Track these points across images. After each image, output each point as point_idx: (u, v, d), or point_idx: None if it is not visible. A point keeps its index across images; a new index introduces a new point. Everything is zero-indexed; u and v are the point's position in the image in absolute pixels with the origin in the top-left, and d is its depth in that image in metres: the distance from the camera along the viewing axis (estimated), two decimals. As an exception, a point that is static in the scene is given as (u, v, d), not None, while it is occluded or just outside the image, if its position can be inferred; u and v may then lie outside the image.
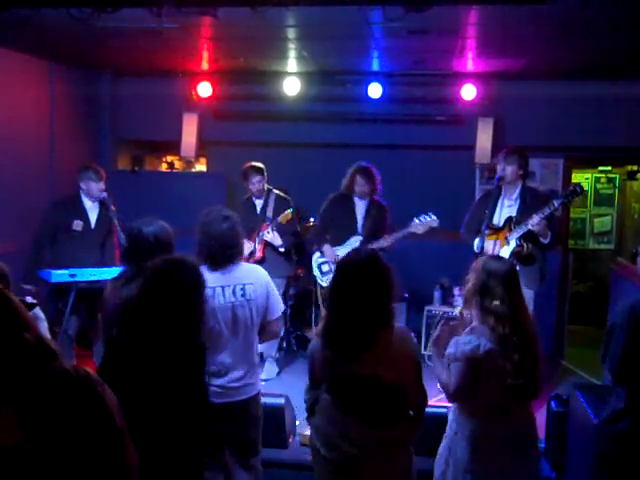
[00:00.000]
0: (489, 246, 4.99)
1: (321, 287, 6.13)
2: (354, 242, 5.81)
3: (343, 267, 2.77)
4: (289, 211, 5.84)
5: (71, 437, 1.79)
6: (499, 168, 5.11)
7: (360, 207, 5.90)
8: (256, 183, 5.94)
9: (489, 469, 2.97)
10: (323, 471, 2.82)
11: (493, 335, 2.92)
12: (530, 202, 5.00)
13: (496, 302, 2.94)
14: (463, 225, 5.40)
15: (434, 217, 5.65)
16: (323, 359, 2.76)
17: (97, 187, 5.44)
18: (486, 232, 4.97)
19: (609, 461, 3.15)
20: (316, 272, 6.09)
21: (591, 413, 3.53)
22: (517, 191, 5.11)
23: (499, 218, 5.10)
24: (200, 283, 2.73)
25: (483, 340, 2.92)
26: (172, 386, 2.50)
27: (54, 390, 1.80)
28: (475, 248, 5.09)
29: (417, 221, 5.65)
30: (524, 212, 4.96)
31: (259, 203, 6.08)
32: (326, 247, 5.91)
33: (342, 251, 5.76)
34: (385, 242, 5.68)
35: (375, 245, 5.62)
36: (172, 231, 3.40)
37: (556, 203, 4.79)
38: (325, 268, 6.02)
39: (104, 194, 5.50)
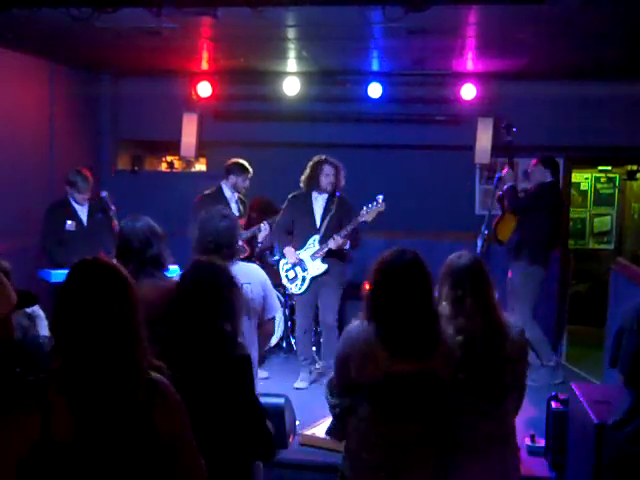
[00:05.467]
0: None
1: (293, 295, 5.98)
2: (312, 242, 5.67)
3: (394, 267, 2.73)
4: (379, 207, 5.56)
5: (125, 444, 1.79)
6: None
7: (319, 203, 5.72)
8: (247, 181, 6.01)
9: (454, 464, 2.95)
10: (367, 475, 2.74)
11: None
12: None
13: (444, 303, 2.96)
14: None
15: (380, 202, 5.53)
16: (373, 363, 2.67)
17: (81, 197, 5.70)
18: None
19: (617, 465, 3.14)
20: (284, 279, 5.83)
21: (591, 413, 3.52)
22: None
23: None
24: (232, 283, 2.70)
25: None
26: (216, 402, 2.48)
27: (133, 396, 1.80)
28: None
29: (365, 209, 5.57)
30: None
31: (233, 199, 6.00)
32: (287, 249, 5.72)
33: (303, 254, 5.67)
34: (334, 242, 5.54)
35: (325, 247, 5.57)
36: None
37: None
38: (291, 275, 5.77)
39: (104, 193, 5.70)
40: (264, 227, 5.87)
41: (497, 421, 2.97)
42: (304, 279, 5.72)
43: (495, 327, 2.94)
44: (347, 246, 5.64)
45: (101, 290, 1.81)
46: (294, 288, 5.80)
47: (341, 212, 5.68)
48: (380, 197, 5.52)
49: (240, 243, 5.67)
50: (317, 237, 5.66)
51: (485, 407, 2.94)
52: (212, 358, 2.52)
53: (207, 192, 5.97)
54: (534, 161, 5.99)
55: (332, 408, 2.86)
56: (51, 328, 1.89)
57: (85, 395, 1.76)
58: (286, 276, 5.83)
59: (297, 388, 5.71)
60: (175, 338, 2.52)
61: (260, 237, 5.95)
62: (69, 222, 5.66)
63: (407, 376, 2.66)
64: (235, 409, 2.54)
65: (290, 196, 5.86)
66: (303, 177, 5.75)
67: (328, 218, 5.66)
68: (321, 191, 5.69)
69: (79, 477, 1.75)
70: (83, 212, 5.79)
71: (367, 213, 5.53)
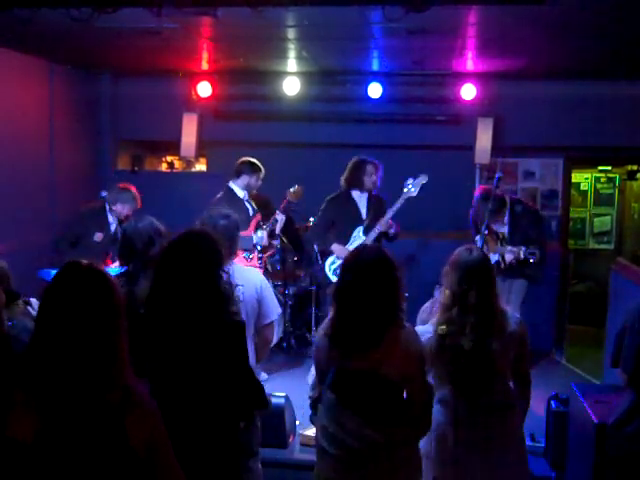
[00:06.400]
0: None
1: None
2: (357, 234, 5.68)
3: (349, 264, 2.77)
4: (296, 189, 5.68)
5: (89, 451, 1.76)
6: None
7: (362, 201, 5.76)
8: (260, 180, 5.88)
9: (451, 457, 2.98)
10: (329, 469, 2.80)
11: (442, 320, 2.98)
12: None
13: (447, 292, 2.99)
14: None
15: (422, 176, 5.61)
16: (328, 356, 2.77)
17: (122, 213, 5.62)
18: (486, 232, 5.07)
19: (617, 464, 3.14)
20: (332, 277, 5.71)
21: (591, 413, 3.53)
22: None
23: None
24: (219, 252, 2.69)
25: (431, 327, 3.00)
26: (208, 365, 2.49)
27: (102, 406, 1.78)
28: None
29: (410, 186, 5.60)
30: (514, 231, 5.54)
31: (246, 197, 5.87)
32: (335, 246, 5.66)
33: (354, 245, 5.67)
34: (382, 224, 5.55)
35: (375, 230, 5.55)
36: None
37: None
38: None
39: (104, 193, 5.84)
40: (280, 218, 5.75)
41: (486, 417, 2.97)
42: None
43: (488, 324, 2.94)
44: (392, 230, 5.61)
45: (84, 293, 1.81)
46: None
47: (380, 209, 5.70)
48: (422, 175, 5.63)
49: (266, 238, 5.68)
50: (361, 228, 5.66)
51: (467, 400, 2.95)
52: (211, 319, 2.53)
53: (218, 196, 5.75)
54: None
55: (309, 399, 2.97)
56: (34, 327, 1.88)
57: (51, 395, 1.74)
58: (334, 274, 5.70)
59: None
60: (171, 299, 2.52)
61: (278, 229, 5.81)
62: (97, 234, 5.57)
63: (351, 372, 2.69)
64: (229, 371, 2.55)
65: (329, 198, 5.82)
66: (344, 177, 5.74)
67: (372, 213, 5.68)
68: (363, 190, 5.71)
69: (37, 478, 1.73)
70: (113, 224, 5.69)
71: (413, 187, 5.57)
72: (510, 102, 6.93)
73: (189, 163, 8.55)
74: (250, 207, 5.88)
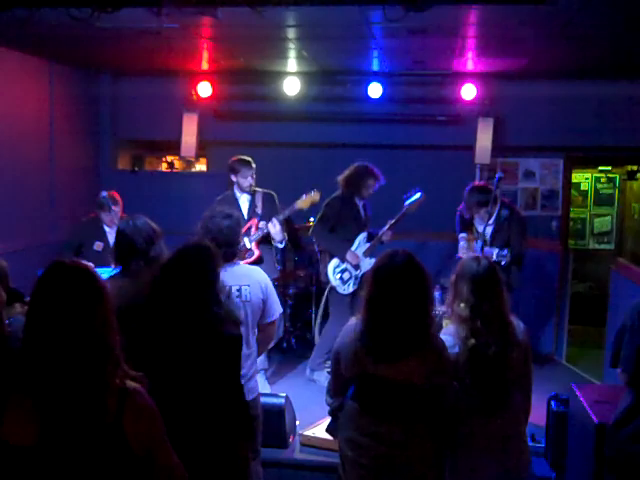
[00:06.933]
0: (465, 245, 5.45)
1: (340, 295, 5.84)
2: (362, 239, 5.83)
3: (382, 271, 2.75)
4: (313, 195, 5.61)
5: (86, 450, 1.76)
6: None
7: (360, 205, 5.93)
8: (249, 177, 5.58)
9: (468, 465, 2.96)
10: (359, 478, 2.78)
11: (457, 337, 2.94)
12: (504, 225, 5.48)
13: (462, 304, 2.94)
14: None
15: (420, 195, 5.79)
16: (356, 364, 2.74)
17: (108, 218, 5.57)
18: (488, 236, 5.12)
19: (617, 464, 3.14)
20: (335, 282, 5.79)
21: (591, 413, 3.53)
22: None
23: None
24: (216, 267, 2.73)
25: (451, 340, 2.94)
26: (203, 379, 2.49)
27: (97, 403, 1.78)
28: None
29: (408, 203, 5.79)
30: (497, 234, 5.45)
31: (244, 199, 5.65)
32: (350, 254, 5.73)
33: (358, 251, 5.80)
34: (386, 233, 5.79)
35: (377, 242, 5.77)
36: None
37: None
38: (346, 276, 5.76)
39: (104, 193, 5.63)
40: (273, 224, 5.44)
41: (502, 424, 2.97)
42: (357, 277, 5.76)
43: (507, 333, 2.94)
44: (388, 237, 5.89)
45: (68, 289, 1.80)
46: (346, 288, 5.80)
47: (368, 215, 6.01)
48: (419, 193, 5.81)
49: (249, 245, 5.48)
50: (365, 234, 5.85)
51: (488, 410, 2.94)
52: (203, 337, 2.53)
53: (218, 198, 5.58)
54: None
55: (329, 406, 2.95)
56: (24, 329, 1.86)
57: (48, 395, 1.74)
58: (341, 278, 5.78)
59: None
60: (163, 320, 2.52)
61: (275, 235, 5.46)
62: (97, 242, 5.56)
63: (382, 379, 2.69)
64: (222, 388, 2.55)
65: (330, 200, 5.86)
66: (344, 178, 5.83)
67: (366, 219, 5.95)
68: (360, 198, 5.89)
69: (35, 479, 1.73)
70: (112, 234, 5.50)
71: (412, 205, 5.78)
72: (510, 102, 6.94)
73: (189, 163, 8.55)
74: (248, 208, 5.64)
